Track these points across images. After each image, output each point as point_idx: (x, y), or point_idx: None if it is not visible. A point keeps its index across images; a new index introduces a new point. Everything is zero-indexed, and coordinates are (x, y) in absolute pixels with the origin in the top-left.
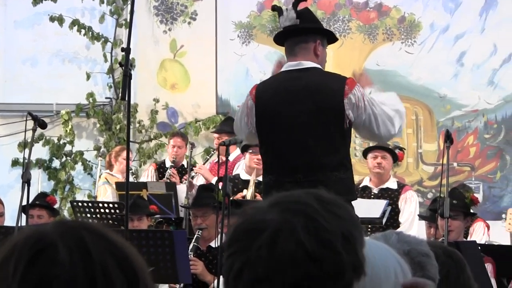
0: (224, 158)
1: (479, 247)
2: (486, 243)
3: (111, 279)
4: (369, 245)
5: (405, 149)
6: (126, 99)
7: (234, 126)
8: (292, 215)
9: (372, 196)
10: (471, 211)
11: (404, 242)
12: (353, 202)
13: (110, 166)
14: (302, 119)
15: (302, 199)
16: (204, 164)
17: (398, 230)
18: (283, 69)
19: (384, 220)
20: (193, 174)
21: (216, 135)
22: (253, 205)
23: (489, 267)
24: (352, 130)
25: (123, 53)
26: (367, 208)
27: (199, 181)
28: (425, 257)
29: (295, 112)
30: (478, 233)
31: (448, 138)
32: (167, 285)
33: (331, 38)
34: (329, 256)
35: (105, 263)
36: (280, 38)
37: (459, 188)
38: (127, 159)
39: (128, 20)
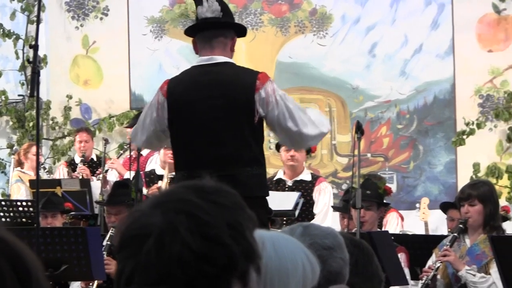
0: (136, 153)
1: (392, 237)
2: (400, 233)
3: (2, 278)
4: (277, 238)
5: None
6: (35, 95)
7: (133, 131)
8: (174, 215)
9: (287, 189)
10: (385, 201)
11: (308, 235)
12: None
13: (20, 164)
14: (214, 114)
15: (182, 196)
16: (118, 158)
17: (312, 221)
18: (195, 64)
19: (297, 212)
20: (106, 168)
21: (129, 129)
22: (136, 207)
23: (402, 256)
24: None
25: None
26: (280, 201)
27: (112, 175)
28: (327, 251)
29: (207, 107)
30: (392, 224)
31: (359, 129)
32: (78, 282)
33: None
34: (217, 250)
35: None
36: (195, 29)
37: (372, 178)
38: (37, 156)
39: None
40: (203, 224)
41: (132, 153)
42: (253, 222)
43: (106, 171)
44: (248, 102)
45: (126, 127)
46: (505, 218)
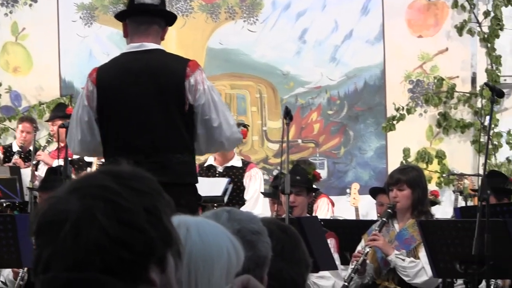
0: (64, 143)
1: (322, 222)
2: (331, 218)
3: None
4: (202, 224)
5: (249, 126)
6: None
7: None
8: (91, 201)
9: (217, 175)
10: (314, 186)
11: (235, 221)
12: None
13: None
14: (145, 101)
15: (99, 182)
16: (43, 151)
17: (243, 207)
18: (124, 51)
19: (226, 198)
20: (34, 162)
21: (50, 122)
22: (53, 193)
23: (332, 242)
24: None
25: None
26: (209, 187)
27: (42, 169)
28: (255, 235)
29: (138, 94)
30: (323, 209)
31: (288, 115)
32: (9, 269)
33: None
34: (135, 236)
35: None
36: (128, 13)
37: (301, 164)
38: None
39: None
40: (120, 210)
41: (59, 143)
42: (170, 207)
43: (37, 165)
44: (178, 89)
45: (47, 121)
46: (434, 203)
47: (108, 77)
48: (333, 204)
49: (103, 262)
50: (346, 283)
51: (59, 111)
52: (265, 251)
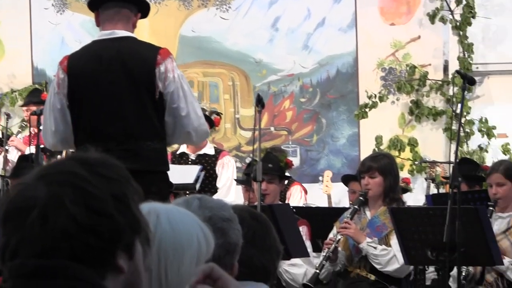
0: (36, 130)
1: (294, 210)
2: (303, 206)
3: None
4: (172, 211)
5: (222, 113)
6: None
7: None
8: (59, 187)
9: (190, 162)
10: (286, 174)
11: (206, 208)
12: None
13: None
14: (115, 88)
15: (68, 168)
16: (16, 136)
17: (216, 195)
18: (96, 38)
19: (197, 185)
20: (7, 147)
21: (24, 108)
22: (21, 179)
23: (304, 229)
24: None
25: None
26: (180, 174)
27: (13, 154)
28: (226, 223)
29: (108, 81)
30: (295, 197)
31: (260, 103)
32: None
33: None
34: (102, 223)
35: None
36: (99, 2)
37: (273, 151)
38: None
39: None
40: (88, 196)
41: (31, 130)
42: (139, 195)
43: (7, 150)
44: (149, 77)
45: (21, 106)
46: (405, 190)
47: (79, 65)
48: (306, 192)
49: (71, 248)
50: (317, 271)
51: (34, 97)
52: (235, 239)
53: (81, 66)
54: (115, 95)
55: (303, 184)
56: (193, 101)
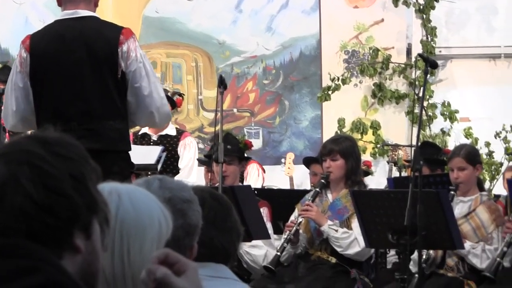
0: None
1: (256, 192)
2: (265, 187)
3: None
4: (134, 192)
5: (184, 94)
6: None
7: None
8: (16, 166)
9: (151, 143)
10: (246, 155)
11: (166, 189)
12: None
13: None
14: (77, 67)
15: (26, 147)
16: None
17: (178, 176)
18: (58, 18)
19: (159, 166)
20: None
21: None
22: None
23: (264, 211)
24: None
25: None
26: (142, 155)
27: None
28: (186, 204)
29: (70, 60)
30: (253, 175)
31: (222, 84)
32: None
33: None
34: (60, 202)
35: None
36: None
37: (232, 133)
38: None
39: None
40: (46, 175)
41: None
42: (97, 174)
43: None
44: (112, 56)
45: None
46: (367, 173)
47: (41, 44)
48: (263, 171)
49: (28, 227)
50: (278, 253)
51: (2, 75)
52: (195, 220)
53: (44, 46)
54: (77, 75)
55: (264, 166)
56: (156, 81)
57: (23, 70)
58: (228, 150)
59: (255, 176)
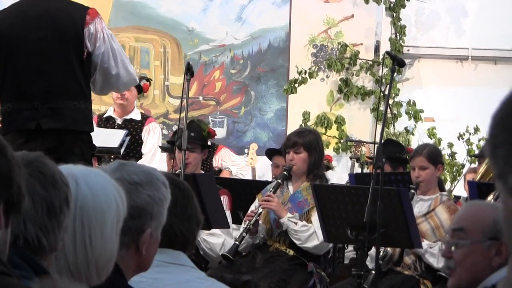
0: None
1: (217, 181)
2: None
3: None
4: (89, 175)
5: (151, 80)
6: None
7: None
8: None
9: (116, 127)
10: (209, 143)
11: (118, 171)
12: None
13: None
14: (42, 46)
15: None
16: None
17: (140, 161)
18: None
19: (122, 150)
20: None
21: None
22: None
23: (225, 199)
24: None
25: None
26: (106, 138)
27: None
28: (132, 186)
29: (35, 39)
30: (225, 156)
31: (189, 71)
32: None
33: None
34: None
35: None
36: None
37: (196, 121)
38: None
39: None
40: None
41: None
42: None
43: None
44: (77, 36)
45: None
46: (328, 168)
47: (6, 23)
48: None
49: None
50: (237, 242)
51: None
52: (142, 203)
53: (8, 24)
54: (42, 54)
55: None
56: (123, 58)
57: None
58: (191, 137)
59: (229, 156)
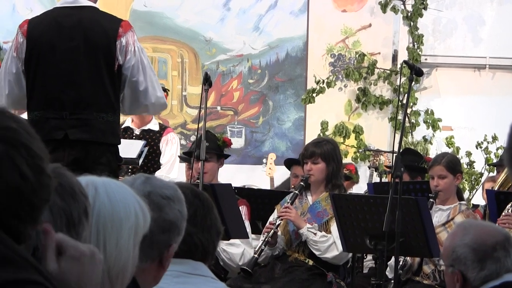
0: None
1: (236, 190)
2: (245, 187)
3: None
4: (109, 184)
5: (169, 90)
6: None
7: None
8: (6, 145)
9: (134, 137)
10: (225, 153)
11: (148, 184)
12: None
13: None
14: (74, 56)
15: (5, 123)
16: None
17: (159, 171)
18: (57, 5)
19: (140, 161)
20: None
21: None
22: None
23: (243, 209)
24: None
25: None
26: (124, 148)
27: None
28: (165, 200)
29: (67, 49)
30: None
31: (207, 81)
32: None
33: None
34: (44, 181)
35: None
36: None
37: (211, 131)
38: None
39: None
40: (35, 156)
41: None
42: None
43: None
44: (109, 48)
45: None
46: (349, 177)
47: (39, 30)
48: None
49: (18, 206)
50: (256, 255)
51: None
52: (173, 217)
53: (41, 32)
54: (73, 64)
55: (246, 165)
56: (152, 75)
57: (18, 55)
58: (207, 147)
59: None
